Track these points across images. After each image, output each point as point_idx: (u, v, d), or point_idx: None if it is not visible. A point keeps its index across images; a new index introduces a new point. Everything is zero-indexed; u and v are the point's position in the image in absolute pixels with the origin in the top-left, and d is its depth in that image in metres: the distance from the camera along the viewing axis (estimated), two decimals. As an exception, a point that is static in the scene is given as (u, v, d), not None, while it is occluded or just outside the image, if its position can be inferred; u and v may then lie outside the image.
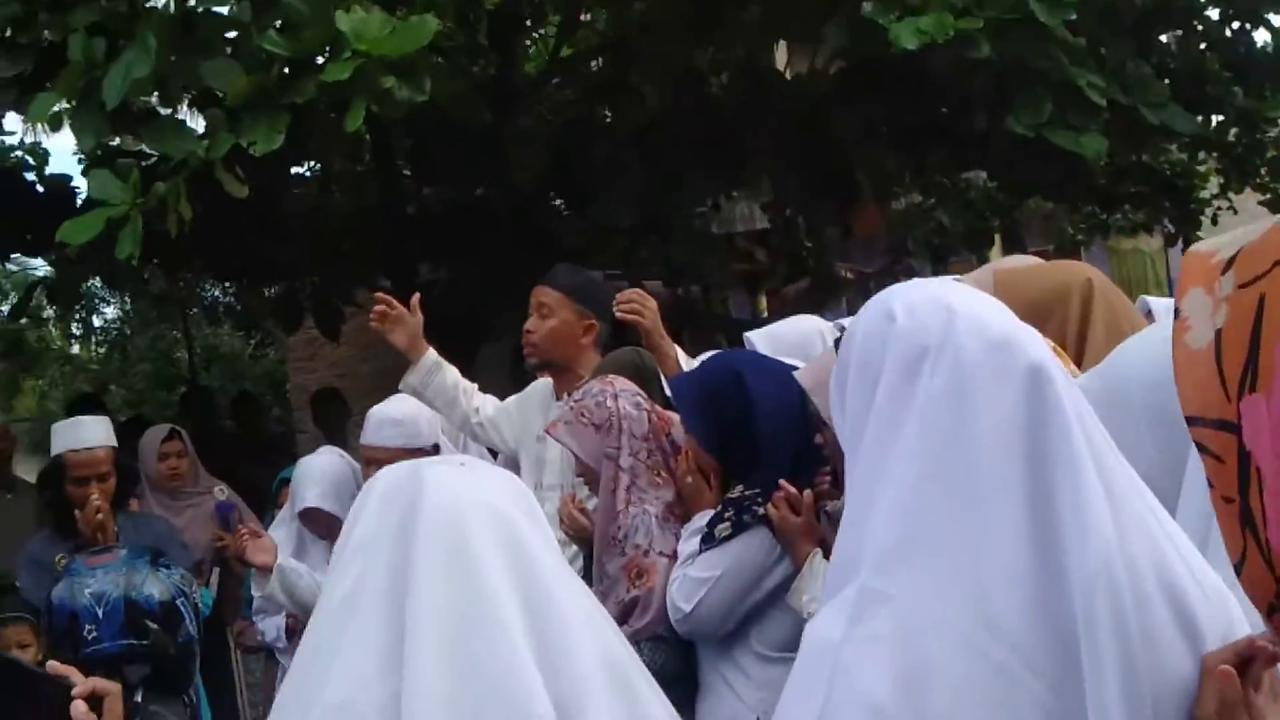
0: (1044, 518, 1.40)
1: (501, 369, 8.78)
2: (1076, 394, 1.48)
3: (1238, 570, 0.75)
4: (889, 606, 1.41)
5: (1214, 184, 10.12)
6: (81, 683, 1.77)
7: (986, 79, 5.02)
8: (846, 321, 3.70)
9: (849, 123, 6.92)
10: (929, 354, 1.49)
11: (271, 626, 4.61)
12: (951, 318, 1.52)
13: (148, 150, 4.60)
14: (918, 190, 10.27)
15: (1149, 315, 3.55)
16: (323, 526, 4.44)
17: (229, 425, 9.14)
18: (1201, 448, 0.77)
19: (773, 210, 9.80)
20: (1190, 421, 0.77)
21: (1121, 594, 1.35)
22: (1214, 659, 1.34)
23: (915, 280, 1.75)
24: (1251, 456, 0.73)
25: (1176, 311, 0.80)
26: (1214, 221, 10.58)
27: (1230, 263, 0.78)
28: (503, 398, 4.12)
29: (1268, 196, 10.10)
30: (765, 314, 12.72)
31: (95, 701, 1.74)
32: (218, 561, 5.28)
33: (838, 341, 2.70)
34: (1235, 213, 10.71)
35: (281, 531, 4.45)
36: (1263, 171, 9.54)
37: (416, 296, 3.91)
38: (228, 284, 12.78)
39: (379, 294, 3.97)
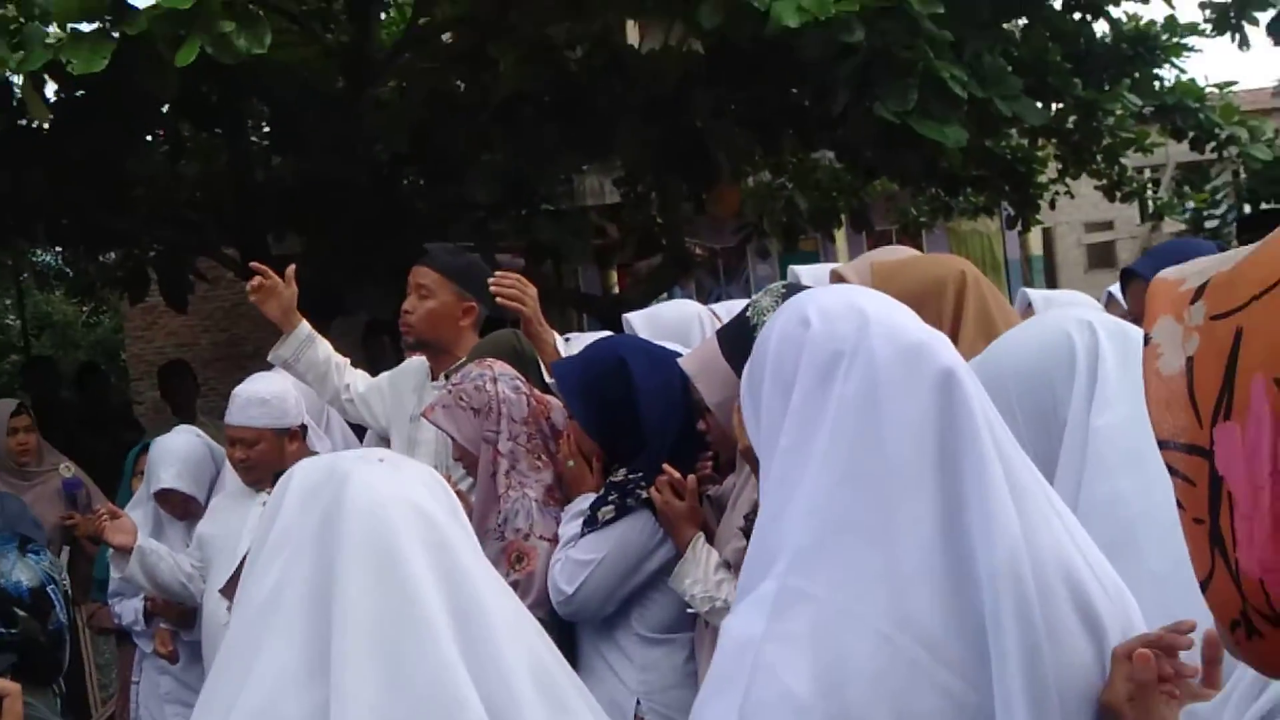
0: (954, 517, 1.46)
1: (353, 342, 8.68)
2: (985, 398, 1.54)
3: (1203, 587, 0.80)
4: (807, 604, 1.45)
5: (1052, 169, 10.46)
6: None
7: (853, 64, 5.12)
8: (720, 308, 3.76)
9: (703, 102, 6.98)
10: (843, 359, 1.53)
11: (129, 609, 4.50)
12: (865, 323, 1.55)
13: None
14: (768, 169, 10.40)
15: (1029, 307, 3.68)
16: (179, 508, 4.35)
17: (68, 396, 8.84)
18: (1172, 470, 0.81)
19: (625, 185, 9.85)
20: (1161, 445, 0.82)
21: (1027, 590, 1.41)
22: (1124, 648, 1.41)
23: (828, 286, 1.79)
24: (1224, 481, 0.78)
25: (1146, 338, 0.84)
26: (1051, 205, 10.95)
27: (1200, 292, 0.82)
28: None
29: (1103, 182, 10.49)
30: (615, 289, 12.78)
31: None
32: (67, 540, 5.13)
33: (722, 331, 2.76)
34: (1072, 197, 11.12)
35: (139, 512, 4.35)
36: (1099, 158, 9.90)
37: (291, 268, 3.83)
38: (60, 249, 12.34)
39: (255, 264, 3.86)
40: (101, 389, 8.53)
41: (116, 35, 4.14)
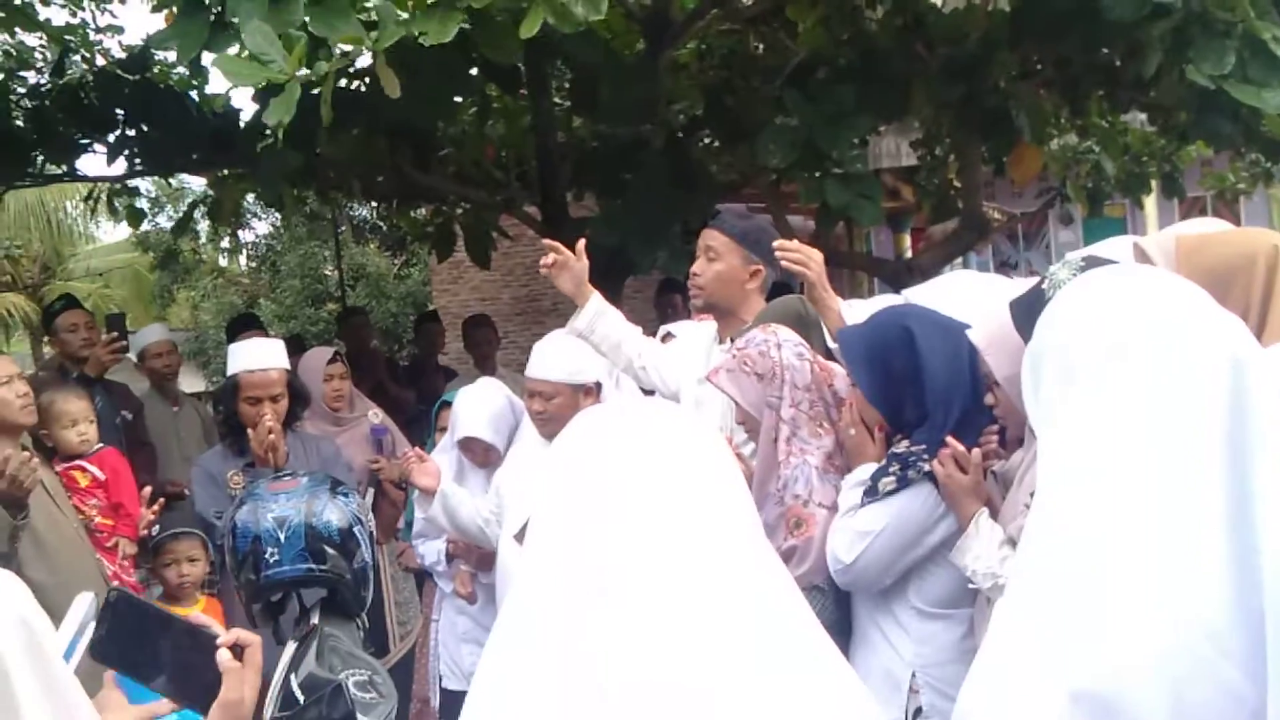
0: (1241, 509, 1.40)
1: (646, 301, 8.87)
2: (1277, 384, 1.47)
3: None
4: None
5: (1390, 134, 9.67)
6: (224, 634, 1.88)
7: (1166, 25, 4.86)
8: (1022, 282, 3.68)
9: (1006, 62, 6.78)
10: (1129, 344, 1.49)
11: (432, 550, 4.75)
12: (1153, 306, 1.51)
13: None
14: (1073, 132, 10.00)
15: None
16: (480, 456, 4.55)
17: (378, 346, 9.34)
18: None
19: (922, 147, 9.66)
20: None
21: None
22: None
23: (1112, 266, 1.73)
24: None
25: None
26: (1386, 172, 10.14)
27: None
28: (646, 332, 4.15)
29: None
30: (908, 253, 12.58)
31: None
32: (372, 483, 5.43)
33: (1016, 303, 2.70)
34: None
35: (443, 458, 4.57)
36: None
37: (581, 242, 3.92)
38: (375, 204, 12.99)
39: (548, 241, 3.99)
40: (431, 338, 8.95)
41: (462, 7, 4.29)
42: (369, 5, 4.46)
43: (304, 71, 4.01)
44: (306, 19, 4.09)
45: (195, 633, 1.91)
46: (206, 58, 4.97)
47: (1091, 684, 1.38)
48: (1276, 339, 2.30)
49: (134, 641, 1.90)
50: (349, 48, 4.07)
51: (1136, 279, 1.59)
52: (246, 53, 4.02)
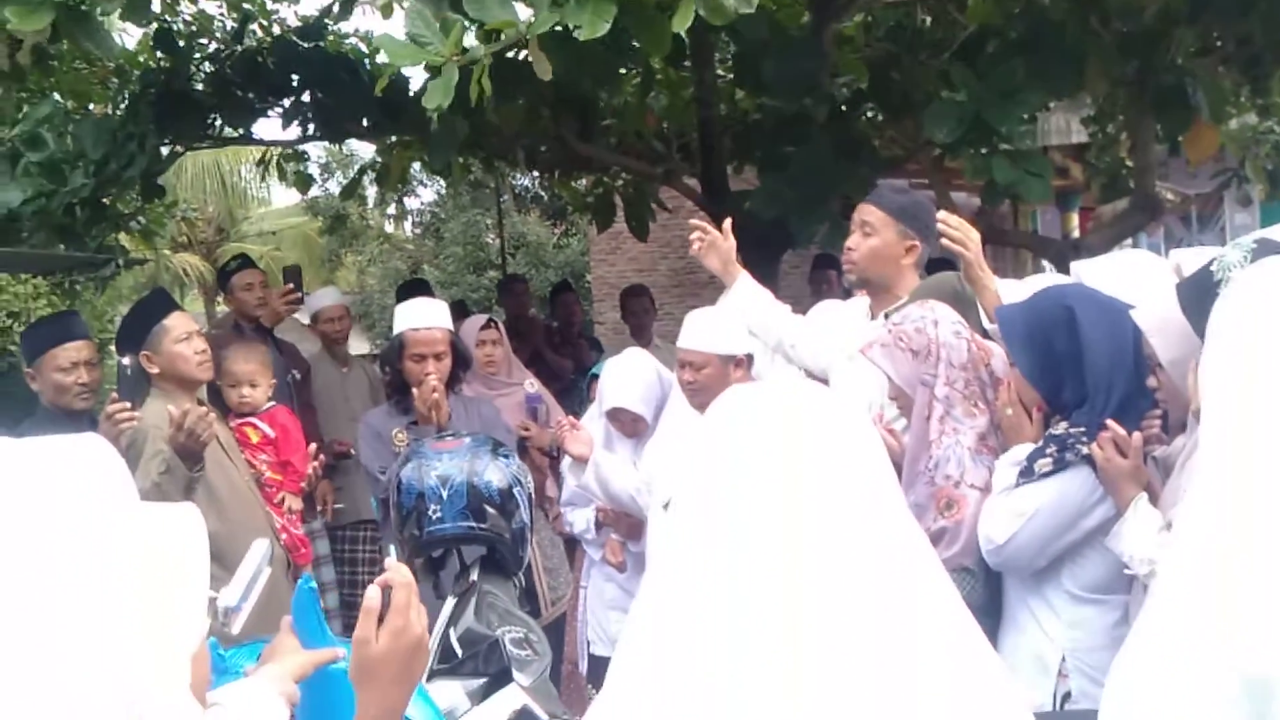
0: None
1: (802, 276, 8.83)
2: None
3: None
4: None
5: None
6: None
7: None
8: (1188, 253, 3.58)
9: (1185, 38, 6.57)
10: None
11: (581, 519, 4.81)
12: None
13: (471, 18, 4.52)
14: (1254, 111, 9.64)
15: None
16: (628, 426, 4.59)
17: (537, 313, 9.46)
18: None
19: (1093, 124, 9.42)
20: None
21: None
22: None
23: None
24: None
25: None
26: None
27: None
28: (802, 306, 4.13)
29: None
30: (1075, 233, 12.28)
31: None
32: (519, 450, 5.50)
33: (1183, 285, 2.63)
34: None
35: (592, 427, 4.62)
36: None
37: (728, 222, 3.93)
38: (537, 174, 13.14)
39: (694, 221, 4.01)
40: (569, 308, 9.04)
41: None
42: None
43: (466, 47, 4.07)
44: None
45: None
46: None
47: (1268, 671, 1.33)
48: None
49: None
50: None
51: None
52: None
